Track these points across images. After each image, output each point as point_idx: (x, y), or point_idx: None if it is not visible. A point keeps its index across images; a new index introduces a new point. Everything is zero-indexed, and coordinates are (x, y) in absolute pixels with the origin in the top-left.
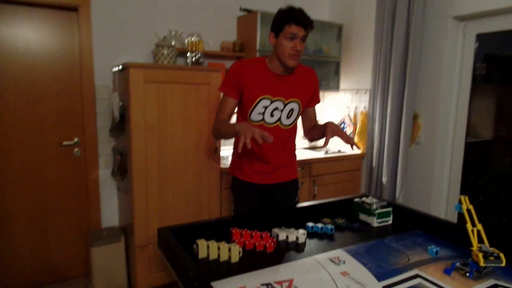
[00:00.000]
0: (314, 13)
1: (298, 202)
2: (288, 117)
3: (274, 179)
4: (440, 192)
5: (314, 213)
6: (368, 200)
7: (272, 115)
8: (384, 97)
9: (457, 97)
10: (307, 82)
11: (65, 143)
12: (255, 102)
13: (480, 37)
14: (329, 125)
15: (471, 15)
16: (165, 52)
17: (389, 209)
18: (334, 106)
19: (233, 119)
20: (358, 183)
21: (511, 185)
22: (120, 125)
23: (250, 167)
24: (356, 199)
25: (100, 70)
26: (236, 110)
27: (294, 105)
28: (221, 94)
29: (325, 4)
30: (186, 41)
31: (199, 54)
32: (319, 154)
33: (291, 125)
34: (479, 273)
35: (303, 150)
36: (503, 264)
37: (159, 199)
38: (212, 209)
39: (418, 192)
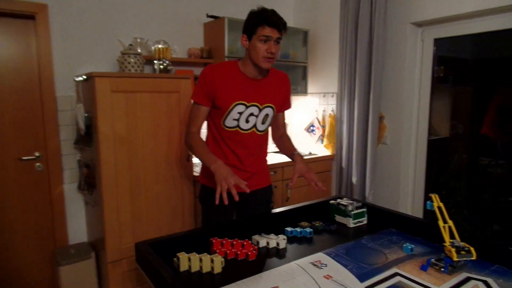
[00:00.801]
0: None
1: (272, 207)
2: (263, 122)
3: (249, 187)
4: (407, 189)
5: (292, 217)
6: (343, 201)
7: (247, 121)
8: (351, 100)
9: (418, 98)
10: (281, 87)
11: (24, 157)
12: (229, 108)
13: (437, 42)
14: (297, 164)
15: (428, 21)
16: (132, 60)
17: (364, 209)
18: (302, 110)
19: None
20: (329, 184)
21: (469, 180)
22: (86, 137)
23: None
24: (332, 201)
25: (61, 80)
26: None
27: (269, 110)
28: (192, 102)
29: (290, 10)
30: (152, 48)
31: (167, 62)
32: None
33: (266, 131)
34: (453, 268)
35: (275, 154)
36: (474, 257)
37: (131, 211)
38: (186, 218)
39: (387, 191)
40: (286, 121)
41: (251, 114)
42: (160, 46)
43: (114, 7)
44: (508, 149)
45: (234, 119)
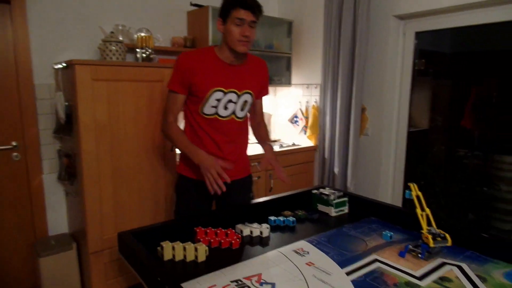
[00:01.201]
0: (264, 10)
1: (253, 197)
2: (242, 109)
3: (229, 176)
4: (387, 179)
5: (275, 206)
6: (326, 191)
7: (226, 108)
8: (334, 91)
9: (399, 90)
10: (259, 73)
11: (0, 147)
12: (207, 95)
13: (418, 35)
14: (266, 154)
15: (410, 15)
16: (113, 48)
17: (346, 199)
18: (286, 101)
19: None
20: (311, 175)
21: (447, 170)
22: (67, 126)
23: None
24: (314, 191)
25: (39, 68)
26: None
27: (247, 97)
28: (168, 91)
29: (274, 1)
30: (135, 36)
31: (150, 50)
32: (274, 148)
33: (245, 117)
34: (429, 253)
35: (258, 144)
36: (449, 243)
37: (113, 201)
38: (169, 208)
39: (367, 181)
40: (270, 111)
41: (230, 101)
42: (142, 34)
43: None
44: (484, 140)
45: (213, 106)
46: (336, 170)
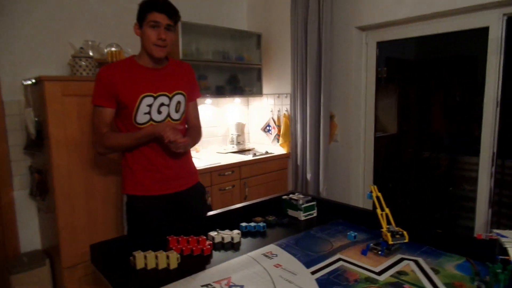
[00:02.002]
0: (234, 23)
1: (210, 206)
2: (176, 111)
3: (178, 186)
4: (357, 183)
5: (247, 213)
6: (294, 196)
7: (159, 112)
8: (303, 100)
9: (365, 97)
10: (185, 74)
11: None
12: (137, 103)
13: (380, 44)
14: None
15: (370, 26)
16: (83, 63)
17: (314, 203)
18: (258, 110)
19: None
20: (285, 182)
21: (413, 172)
22: (37, 142)
23: (148, 178)
24: (284, 197)
25: (8, 84)
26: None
27: (180, 97)
28: (93, 107)
29: (243, 15)
30: (105, 51)
31: None
32: (248, 157)
33: (181, 119)
34: (389, 250)
35: (232, 154)
36: (406, 240)
37: (87, 215)
38: None
39: (339, 185)
40: (243, 121)
41: (162, 104)
42: (113, 49)
43: (64, 9)
44: (449, 142)
45: (145, 113)
46: (308, 176)
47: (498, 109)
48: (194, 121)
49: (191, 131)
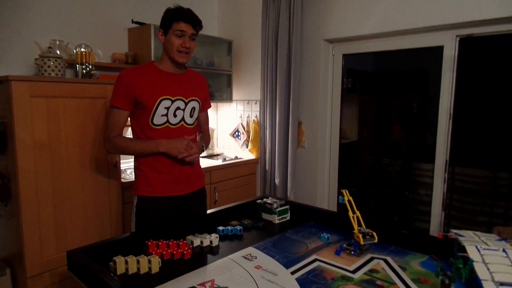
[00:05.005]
0: (204, 29)
1: (206, 210)
2: (191, 116)
3: (186, 189)
4: (323, 187)
5: (222, 217)
6: (269, 200)
7: (175, 115)
8: (273, 107)
9: (331, 106)
10: (200, 84)
11: None
12: (156, 105)
13: (346, 56)
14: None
15: (337, 39)
16: (52, 63)
17: (287, 206)
18: (228, 116)
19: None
20: (254, 186)
21: (374, 177)
22: (0, 145)
23: (159, 179)
24: (259, 201)
25: None
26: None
27: (195, 104)
28: (110, 108)
29: (214, 21)
30: (74, 52)
31: (90, 66)
32: (218, 162)
33: (194, 124)
34: (360, 250)
35: (201, 159)
36: (376, 240)
37: (54, 222)
38: (114, 225)
39: (306, 189)
40: (212, 126)
41: (178, 108)
42: (82, 49)
43: (29, 7)
44: (406, 149)
45: (163, 115)
46: (277, 181)
47: (451, 121)
48: (205, 127)
49: (205, 135)
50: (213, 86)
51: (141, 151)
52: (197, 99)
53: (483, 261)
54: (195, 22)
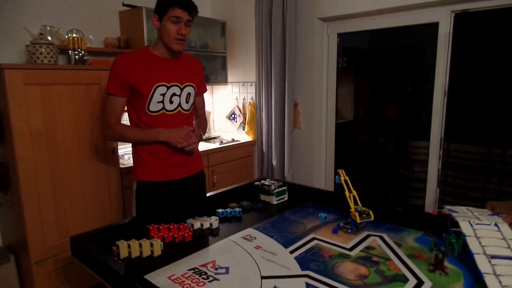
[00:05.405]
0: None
1: (205, 192)
2: (187, 101)
3: (184, 172)
4: (320, 167)
5: (222, 200)
6: (267, 182)
7: (171, 101)
8: (268, 88)
9: (326, 86)
10: (195, 68)
11: None
12: (151, 92)
13: (340, 35)
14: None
15: (332, 18)
16: (44, 50)
17: (285, 187)
18: (224, 98)
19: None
20: (251, 168)
21: (369, 156)
22: None
23: (157, 164)
24: (257, 183)
25: None
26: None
27: (190, 89)
28: (107, 95)
29: (207, 2)
30: (65, 37)
31: (83, 52)
32: (215, 145)
33: (190, 110)
34: (357, 228)
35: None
36: (372, 218)
37: (55, 208)
38: (114, 211)
39: (303, 170)
40: (208, 109)
41: (174, 94)
42: (74, 35)
43: None
44: (401, 128)
45: (159, 102)
46: (274, 162)
47: (446, 98)
48: (201, 111)
49: (201, 120)
50: (208, 69)
51: (141, 139)
52: (193, 84)
53: (476, 236)
54: (191, 8)
